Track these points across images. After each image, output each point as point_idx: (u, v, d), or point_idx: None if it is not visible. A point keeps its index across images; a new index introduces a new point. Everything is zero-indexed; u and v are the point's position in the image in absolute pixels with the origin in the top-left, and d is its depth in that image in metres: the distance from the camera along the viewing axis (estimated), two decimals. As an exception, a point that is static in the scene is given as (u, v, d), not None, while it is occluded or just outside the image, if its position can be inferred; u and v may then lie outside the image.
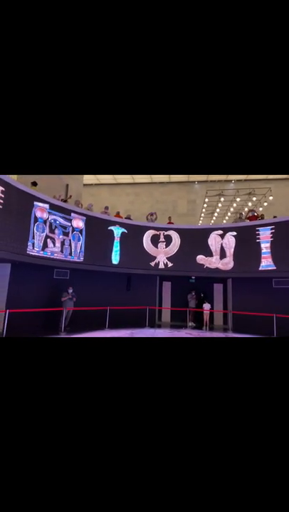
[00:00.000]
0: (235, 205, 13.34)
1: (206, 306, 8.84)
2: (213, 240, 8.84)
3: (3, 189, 5.78)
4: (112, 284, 8.72)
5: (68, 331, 6.74)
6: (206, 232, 8.97)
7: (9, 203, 5.89)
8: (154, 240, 9.17)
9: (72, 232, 7.70)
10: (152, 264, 9.03)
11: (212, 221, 14.62)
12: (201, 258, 8.85)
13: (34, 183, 7.41)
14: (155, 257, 9.12)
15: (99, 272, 8.33)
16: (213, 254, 8.76)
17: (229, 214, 14.23)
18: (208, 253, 8.77)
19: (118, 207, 13.75)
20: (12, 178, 6.16)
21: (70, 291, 7.26)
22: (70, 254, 7.59)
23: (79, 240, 7.88)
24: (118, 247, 8.69)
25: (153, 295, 9.41)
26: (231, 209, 13.72)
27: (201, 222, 14.73)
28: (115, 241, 8.70)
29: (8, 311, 5.39)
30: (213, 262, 8.73)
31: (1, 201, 5.72)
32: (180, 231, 9.23)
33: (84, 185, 15.85)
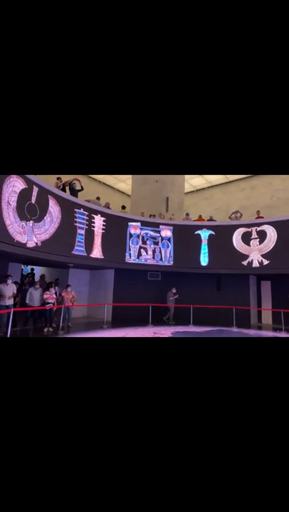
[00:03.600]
0: None
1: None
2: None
3: (105, 219, 8.17)
4: (202, 285, 9.40)
5: (173, 325, 8.19)
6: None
7: (109, 227, 8.22)
8: (246, 238, 8.99)
9: (161, 241, 9.21)
10: (244, 263, 8.90)
11: None
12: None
13: (123, 207, 9.58)
14: (248, 256, 8.93)
15: (188, 274, 9.30)
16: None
17: None
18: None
19: (233, 206, 13.66)
20: (110, 209, 8.52)
21: (174, 291, 8.66)
22: (161, 259, 9.11)
23: (168, 246, 9.25)
24: (206, 249, 9.28)
25: (246, 295, 9.18)
26: None
27: None
28: (203, 244, 9.35)
29: (111, 304, 7.64)
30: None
31: (104, 227, 8.13)
32: (277, 224, 8.52)
33: (188, 192, 16.99)
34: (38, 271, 10.45)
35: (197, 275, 9.34)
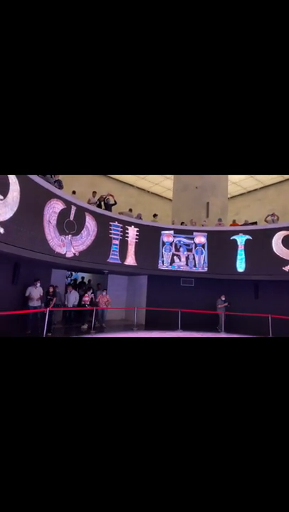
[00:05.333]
0: None
1: None
2: None
3: (138, 229, 8.87)
4: (238, 292, 9.09)
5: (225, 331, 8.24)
6: None
7: (143, 236, 8.88)
8: (287, 242, 8.38)
9: (195, 247, 9.35)
10: (286, 269, 8.30)
11: None
12: None
13: (155, 215, 10.08)
14: (289, 261, 8.30)
15: (223, 280, 9.16)
16: None
17: None
18: None
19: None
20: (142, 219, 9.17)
21: (224, 298, 8.57)
22: (195, 266, 9.25)
23: (202, 253, 9.33)
24: (243, 255, 8.99)
25: (287, 303, 8.46)
26: None
27: None
28: (239, 249, 9.08)
29: (141, 308, 8.24)
30: None
31: (137, 237, 8.83)
32: None
33: (238, 195, 16.32)
34: (86, 277, 11.84)
35: (233, 282, 9.11)
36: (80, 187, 10.73)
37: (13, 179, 5.32)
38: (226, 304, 8.62)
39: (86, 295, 7.53)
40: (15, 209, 5.40)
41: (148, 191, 16.61)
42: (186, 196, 12.50)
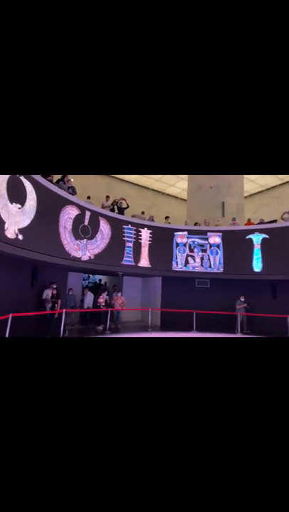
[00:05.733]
0: None
1: None
2: None
3: (151, 231, 9.00)
4: (255, 292, 8.87)
5: (247, 333, 8.09)
6: None
7: (156, 238, 8.99)
8: (307, 240, 8.09)
9: (209, 248, 9.29)
10: (305, 268, 8.01)
11: None
12: None
13: (167, 217, 10.14)
14: (310, 260, 8.00)
15: (239, 281, 9.00)
16: None
17: None
18: None
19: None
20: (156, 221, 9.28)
21: (243, 299, 8.44)
22: (210, 266, 9.18)
23: (217, 253, 9.24)
24: (259, 254, 8.79)
25: (307, 304, 8.13)
26: None
27: None
28: (255, 248, 8.89)
29: (155, 309, 8.33)
30: None
31: (151, 239, 8.96)
32: None
33: (256, 192, 15.92)
34: (102, 279, 12.14)
35: (250, 282, 8.92)
36: (96, 191, 11.05)
37: (29, 188, 5.68)
38: (245, 305, 8.47)
39: (100, 296, 7.77)
40: (32, 216, 5.75)
41: (163, 193, 16.71)
42: (200, 197, 12.44)
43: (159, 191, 16.54)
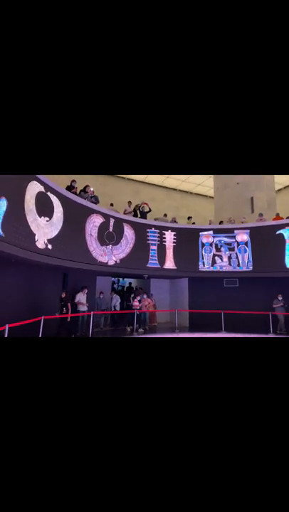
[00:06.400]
0: None
1: None
2: None
3: (175, 233, 9.08)
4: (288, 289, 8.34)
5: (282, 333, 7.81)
6: None
7: (180, 239, 9.04)
8: None
9: (237, 246, 9.02)
10: None
11: None
12: None
13: (189, 218, 10.07)
14: None
15: (270, 278, 8.56)
16: None
17: None
18: None
19: None
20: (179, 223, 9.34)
21: (280, 298, 8.05)
22: (238, 265, 8.91)
23: (245, 251, 8.93)
24: (292, 250, 8.28)
25: None
26: None
27: None
28: (287, 244, 8.40)
29: (181, 310, 8.36)
30: None
31: (175, 240, 9.04)
32: None
33: (283, 187, 14.92)
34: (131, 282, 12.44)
35: (282, 279, 8.43)
36: (123, 197, 11.40)
37: (56, 202, 6.25)
38: (281, 304, 8.01)
39: (135, 300, 8.08)
40: (60, 227, 6.32)
41: (191, 193, 16.58)
42: (227, 194, 12.12)
43: (186, 191, 16.47)
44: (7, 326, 4.05)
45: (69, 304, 6.40)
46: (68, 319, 6.22)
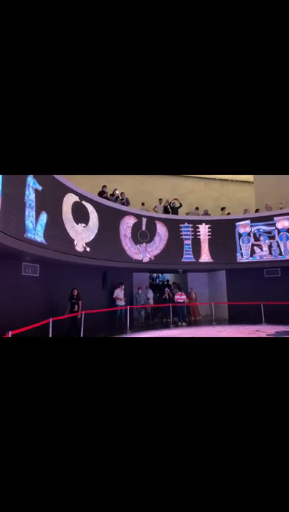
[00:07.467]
0: None
1: None
2: None
3: (210, 225, 9.00)
4: None
5: None
6: None
7: (216, 232, 8.94)
8: None
9: (278, 234, 8.48)
10: None
11: None
12: None
13: (223, 208, 9.73)
14: None
15: None
16: None
17: None
18: None
19: None
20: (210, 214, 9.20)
21: None
22: (280, 254, 8.39)
23: (287, 239, 8.35)
24: None
25: None
26: None
27: None
28: None
29: (218, 303, 8.31)
30: None
31: (210, 233, 8.98)
32: None
33: None
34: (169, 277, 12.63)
35: None
36: (163, 194, 11.40)
37: (90, 208, 6.96)
38: None
39: (179, 294, 8.41)
40: (96, 231, 7.03)
41: (232, 180, 15.82)
42: (269, 178, 11.30)
43: (226, 180, 15.79)
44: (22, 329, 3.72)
45: (80, 302, 6.05)
46: (78, 316, 5.92)
